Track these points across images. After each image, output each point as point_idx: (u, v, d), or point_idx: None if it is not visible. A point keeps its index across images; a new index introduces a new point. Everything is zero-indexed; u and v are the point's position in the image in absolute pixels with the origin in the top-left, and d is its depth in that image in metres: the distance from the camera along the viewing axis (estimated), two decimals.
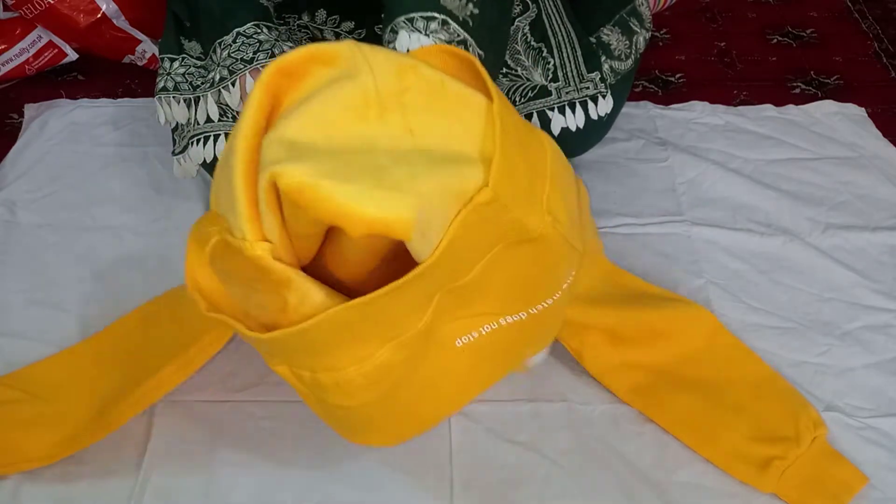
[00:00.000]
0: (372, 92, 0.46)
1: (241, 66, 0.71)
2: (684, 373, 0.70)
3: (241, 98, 0.73)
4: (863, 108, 1.02)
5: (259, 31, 0.72)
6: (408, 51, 0.60)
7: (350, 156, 0.44)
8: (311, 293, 0.46)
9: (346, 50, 0.47)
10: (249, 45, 0.72)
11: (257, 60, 0.71)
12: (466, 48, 0.63)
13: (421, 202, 0.43)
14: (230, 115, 0.77)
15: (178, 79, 0.79)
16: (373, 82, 0.46)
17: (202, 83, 0.77)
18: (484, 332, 0.56)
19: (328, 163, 0.43)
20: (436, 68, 0.49)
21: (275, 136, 0.44)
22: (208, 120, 0.77)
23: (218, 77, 0.73)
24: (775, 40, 1.17)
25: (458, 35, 0.64)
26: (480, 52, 0.65)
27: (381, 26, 0.79)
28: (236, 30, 0.72)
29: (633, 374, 0.70)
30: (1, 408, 0.67)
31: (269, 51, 0.72)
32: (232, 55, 0.72)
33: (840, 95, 1.05)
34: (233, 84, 0.72)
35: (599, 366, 0.71)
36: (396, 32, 0.63)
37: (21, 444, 0.65)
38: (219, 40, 0.72)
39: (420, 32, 0.63)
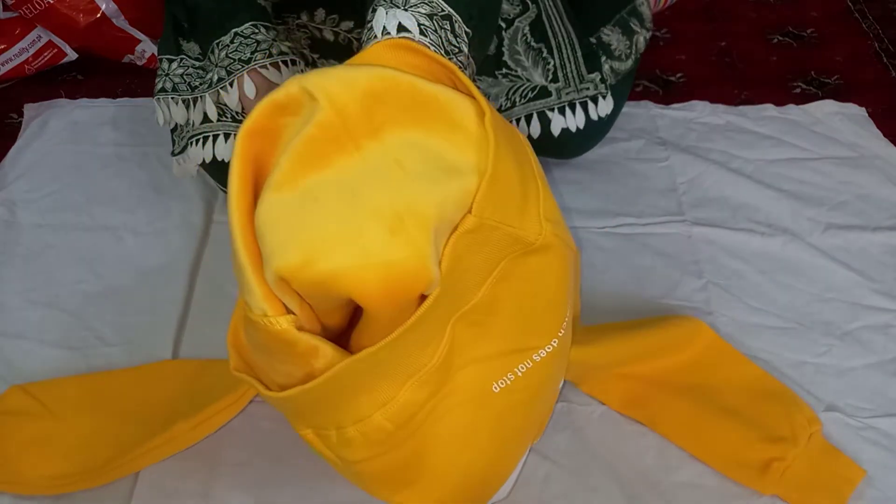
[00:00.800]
0: (335, 126, 0.43)
1: (239, 67, 0.71)
2: (677, 380, 0.70)
3: (238, 99, 0.73)
4: (863, 108, 1.01)
5: (257, 31, 0.72)
6: (383, 29, 0.56)
7: (337, 212, 0.42)
8: (338, 359, 0.45)
9: (296, 90, 0.44)
10: (247, 45, 0.71)
11: (255, 60, 0.71)
12: (452, 24, 0.59)
13: (428, 236, 0.42)
14: (229, 115, 0.77)
15: (177, 80, 0.79)
16: (334, 115, 0.43)
17: (200, 84, 0.77)
18: (519, 374, 0.53)
19: (317, 232, 0.42)
20: (407, 72, 0.46)
21: (261, 218, 0.43)
22: (206, 120, 0.77)
23: (216, 77, 0.73)
24: (776, 40, 1.17)
25: (442, 9, 0.58)
26: (468, 30, 0.60)
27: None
28: (234, 30, 0.72)
29: (625, 385, 0.69)
30: (11, 418, 0.67)
31: (267, 50, 0.71)
32: (230, 55, 0.71)
33: (840, 95, 1.05)
34: (231, 84, 0.72)
35: (590, 379, 0.70)
36: (375, 10, 0.58)
37: (18, 463, 0.64)
38: (217, 41, 0.72)
39: (398, 7, 0.57)
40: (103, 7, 1.02)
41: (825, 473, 0.64)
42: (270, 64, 0.72)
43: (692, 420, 0.67)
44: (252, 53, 0.71)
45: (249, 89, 0.71)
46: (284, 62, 0.73)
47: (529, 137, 0.81)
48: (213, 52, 0.73)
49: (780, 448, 0.64)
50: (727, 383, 0.70)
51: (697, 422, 0.67)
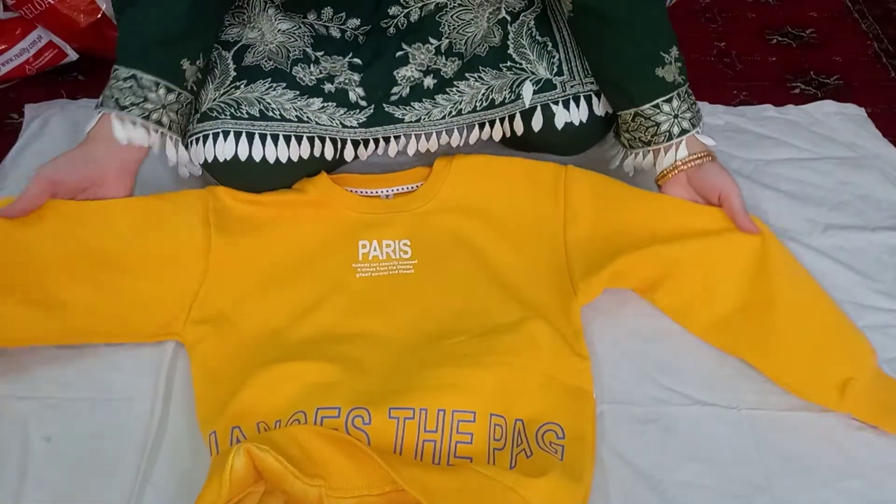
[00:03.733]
0: None
1: (112, 105, 0.72)
2: (752, 300, 0.73)
3: (87, 131, 0.73)
4: (863, 108, 1.02)
5: (152, 88, 0.72)
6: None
7: None
8: None
9: None
10: (133, 92, 0.72)
11: (129, 111, 0.72)
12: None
13: None
14: (228, 113, 0.77)
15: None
16: None
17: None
18: None
19: None
20: None
21: None
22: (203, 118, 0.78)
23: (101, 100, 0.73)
24: (775, 40, 1.17)
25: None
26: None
27: (386, 21, 0.79)
28: (134, 72, 0.72)
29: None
30: None
31: (148, 114, 0.72)
32: (112, 88, 0.72)
33: (840, 95, 1.05)
34: (97, 110, 0.73)
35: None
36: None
37: None
38: (116, 67, 0.73)
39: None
40: (104, 7, 1.02)
41: (890, 396, 0.68)
42: (142, 124, 0.73)
43: (768, 340, 0.71)
44: (131, 105, 0.72)
45: (121, 132, 0.72)
46: (158, 131, 0.74)
47: (532, 132, 0.82)
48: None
49: (854, 368, 0.68)
50: (801, 310, 0.73)
51: (773, 342, 0.70)
